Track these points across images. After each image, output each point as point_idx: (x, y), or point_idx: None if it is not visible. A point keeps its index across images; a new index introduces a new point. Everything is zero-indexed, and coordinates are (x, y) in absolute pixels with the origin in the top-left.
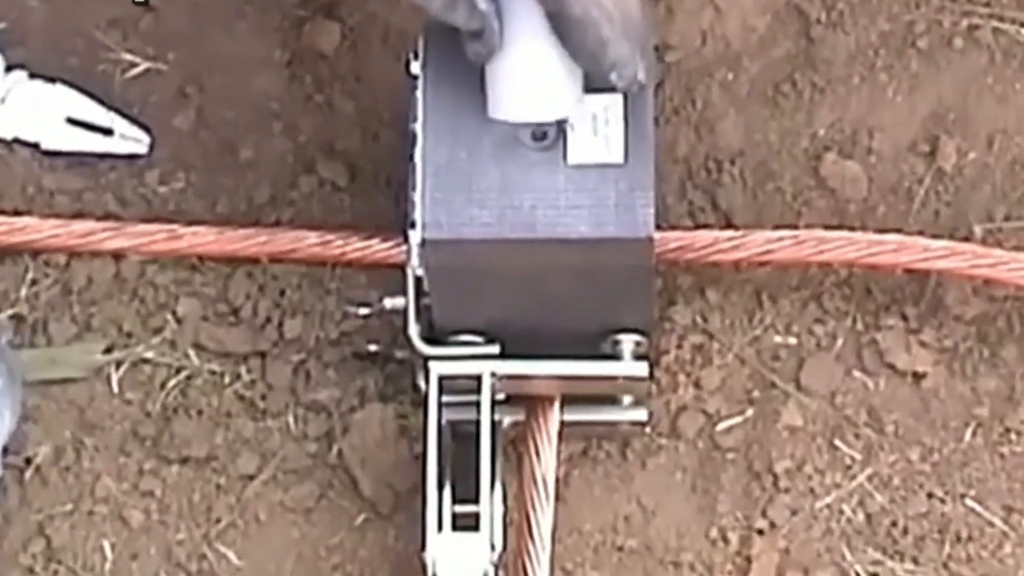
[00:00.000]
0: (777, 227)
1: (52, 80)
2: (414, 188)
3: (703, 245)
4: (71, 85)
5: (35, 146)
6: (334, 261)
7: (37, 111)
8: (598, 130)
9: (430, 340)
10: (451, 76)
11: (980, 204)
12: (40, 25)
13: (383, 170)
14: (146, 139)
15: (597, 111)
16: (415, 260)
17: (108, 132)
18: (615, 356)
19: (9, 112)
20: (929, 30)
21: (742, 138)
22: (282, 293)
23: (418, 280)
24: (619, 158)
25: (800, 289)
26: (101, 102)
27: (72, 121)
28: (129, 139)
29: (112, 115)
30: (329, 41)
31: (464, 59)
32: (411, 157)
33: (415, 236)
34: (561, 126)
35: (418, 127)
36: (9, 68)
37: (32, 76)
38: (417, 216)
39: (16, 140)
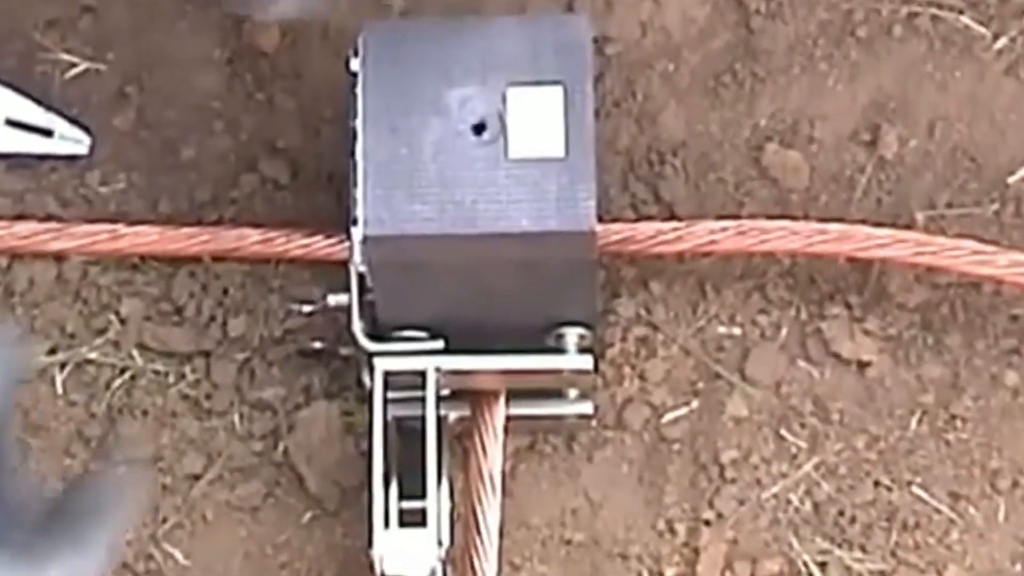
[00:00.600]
0: (720, 217)
1: None
2: (355, 185)
3: (645, 237)
4: (9, 86)
5: None
6: (277, 259)
7: None
8: (538, 124)
9: (374, 336)
10: (390, 73)
11: (922, 192)
12: None
13: (325, 167)
14: (86, 140)
15: (536, 105)
16: (358, 256)
17: (48, 133)
18: (560, 350)
19: None
20: (868, 19)
21: (683, 129)
22: (225, 292)
23: (361, 276)
24: (560, 152)
25: (743, 279)
26: (40, 103)
27: (11, 122)
28: (69, 140)
29: (52, 116)
30: (269, 39)
31: (404, 56)
32: (352, 154)
33: (357, 232)
34: (502, 119)
35: (358, 124)
36: None
37: None
38: (359, 212)
39: None
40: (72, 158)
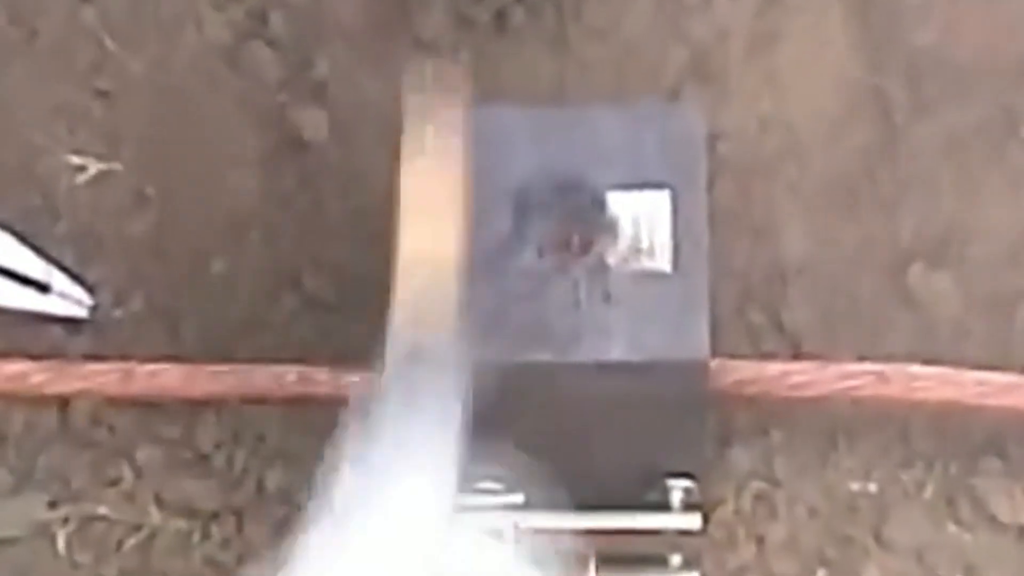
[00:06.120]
0: (858, 358)
1: None
2: None
3: (769, 378)
4: (6, 228)
5: None
6: (319, 400)
7: None
8: (642, 233)
9: None
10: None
11: None
12: None
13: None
14: (87, 300)
15: (640, 211)
16: None
17: (44, 288)
18: (662, 506)
19: None
20: None
21: (810, 246)
22: (261, 439)
23: None
24: (666, 266)
25: (881, 426)
26: (39, 251)
27: (4, 271)
28: (68, 299)
29: (51, 268)
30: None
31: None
32: None
33: None
34: (601, 228)
35: None
36: None
37: None
38: None
39: None
40: (69, 320)
